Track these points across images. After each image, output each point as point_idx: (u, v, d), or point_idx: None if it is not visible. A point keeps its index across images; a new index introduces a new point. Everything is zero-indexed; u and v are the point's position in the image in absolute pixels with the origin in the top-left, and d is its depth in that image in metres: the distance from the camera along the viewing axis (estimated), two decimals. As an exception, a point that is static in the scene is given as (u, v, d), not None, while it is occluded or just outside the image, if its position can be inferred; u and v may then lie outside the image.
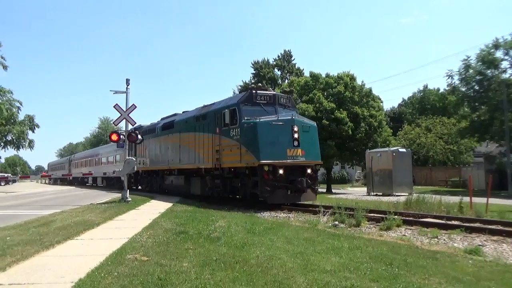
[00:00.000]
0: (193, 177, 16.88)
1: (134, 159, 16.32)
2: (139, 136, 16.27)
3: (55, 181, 57.71)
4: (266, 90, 14.54)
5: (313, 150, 13.36)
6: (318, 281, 4.16)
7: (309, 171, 12.82)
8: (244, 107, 13.03)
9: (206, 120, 15.14)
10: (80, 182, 42.91)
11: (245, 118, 12.69)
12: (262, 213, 11.52)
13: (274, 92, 14.52)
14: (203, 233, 7.21)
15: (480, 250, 5.94)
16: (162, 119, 21.85)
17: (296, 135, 12.42)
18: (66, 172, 47.47)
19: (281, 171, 11.99)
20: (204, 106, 16.33)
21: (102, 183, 35.48)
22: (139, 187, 25.33)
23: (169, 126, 19.31)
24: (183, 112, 19.73)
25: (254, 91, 13.45)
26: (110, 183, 31.58)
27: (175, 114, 20.42)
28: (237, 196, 14.90)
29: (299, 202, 12.79)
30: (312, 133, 13.55)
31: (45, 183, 65.74)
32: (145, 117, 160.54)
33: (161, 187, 20.88)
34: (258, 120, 12.35)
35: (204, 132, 15.17)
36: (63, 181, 53.12)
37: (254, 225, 8.27)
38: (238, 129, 12.87)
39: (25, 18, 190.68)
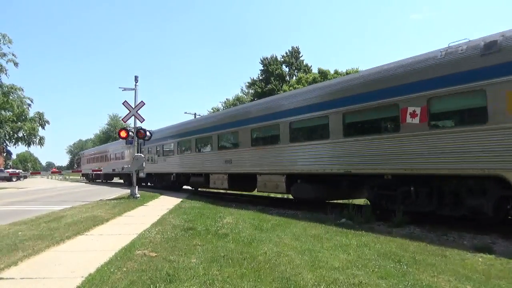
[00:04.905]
0: None
1: (142, 155, 16.43)
2: (148, 133, 16.34)
3: (94, 178, 40.57)
4: None
5: None
6: (326, 278, 4.15)
7: None
8: None
9: None
10: (167, 182, 21.05)
11: None
12: (270, 209, 11.52)
13: None
14: (211, 230, 7.24)
15: (490, 248, 5.87)
16: None
17: None
18: (125, 164, 25.47)
19: None
20: None
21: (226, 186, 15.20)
22: None
23: None
24: None
25: None
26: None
27: None
28: None
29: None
30: None
31: (76, 180, 52.04)
32: (151, 115, 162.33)
33: None
34: None
35: None
36: (108, 178, 37.22)
37: (262, 222, 8.28)
38: None
39: (35, 16, 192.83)
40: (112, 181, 37.93)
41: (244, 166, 13.49)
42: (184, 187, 20.76)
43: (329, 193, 11.11)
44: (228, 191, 18.10)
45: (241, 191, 15.78)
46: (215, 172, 15.34)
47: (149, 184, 25.03)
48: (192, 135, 17.48)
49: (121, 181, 34.56)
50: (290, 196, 14.76)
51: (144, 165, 16.15)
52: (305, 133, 11.39)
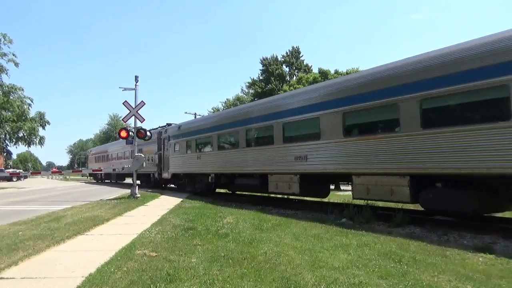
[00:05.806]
0: None
1: (142, 155, 16.44)
2: (148, 133, 16.36)
3: (104, 178, 36.10)
4: None
5: None
6: (326, 277, 4.15)
7: None
8: None
9: None
10: (200, 185, 17.63)
11: None
12: (270, 209, 11.50)
13: None
14: (211, 229, 7.24)
15: (490, 247, 5.86)
16: None
17: None
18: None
19: None
20: None
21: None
22: None
23: None
24: None
25: None
26: None
27: None
28: None
29: (307, 198, 12.13)
30: None
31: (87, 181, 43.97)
32: (152, 115, 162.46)
33: None
34: None
35: None
36: (120, 178, 32.73)
37: (262, 222, 8.28)
38: None
39: (36, 16, 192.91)
40: (124, 181, 33.74)
41: (331, 164, 9.85)
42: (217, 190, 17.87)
43: (488, 203, 7.33)
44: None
45: (314, 196, 12.50)
46: (277, 171, 11.79)
47: (171, 186, 21.68)
48: (240, 126, 13.73)
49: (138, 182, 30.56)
50: (291, 196, 14.10)
51: (144, 164, 16.15)
52: (451, 115, 7.37)
